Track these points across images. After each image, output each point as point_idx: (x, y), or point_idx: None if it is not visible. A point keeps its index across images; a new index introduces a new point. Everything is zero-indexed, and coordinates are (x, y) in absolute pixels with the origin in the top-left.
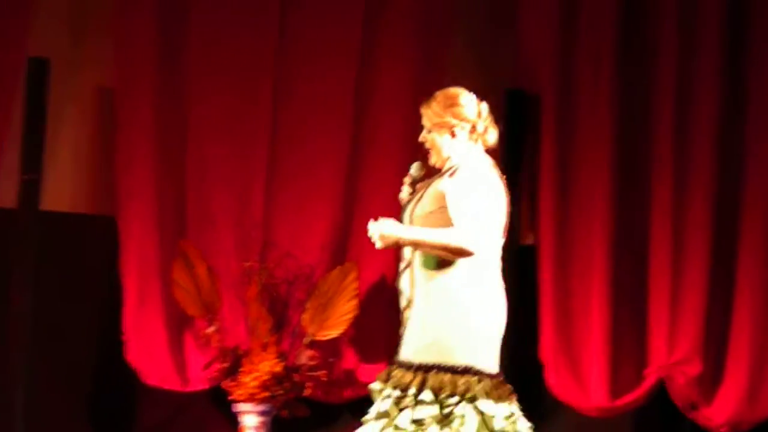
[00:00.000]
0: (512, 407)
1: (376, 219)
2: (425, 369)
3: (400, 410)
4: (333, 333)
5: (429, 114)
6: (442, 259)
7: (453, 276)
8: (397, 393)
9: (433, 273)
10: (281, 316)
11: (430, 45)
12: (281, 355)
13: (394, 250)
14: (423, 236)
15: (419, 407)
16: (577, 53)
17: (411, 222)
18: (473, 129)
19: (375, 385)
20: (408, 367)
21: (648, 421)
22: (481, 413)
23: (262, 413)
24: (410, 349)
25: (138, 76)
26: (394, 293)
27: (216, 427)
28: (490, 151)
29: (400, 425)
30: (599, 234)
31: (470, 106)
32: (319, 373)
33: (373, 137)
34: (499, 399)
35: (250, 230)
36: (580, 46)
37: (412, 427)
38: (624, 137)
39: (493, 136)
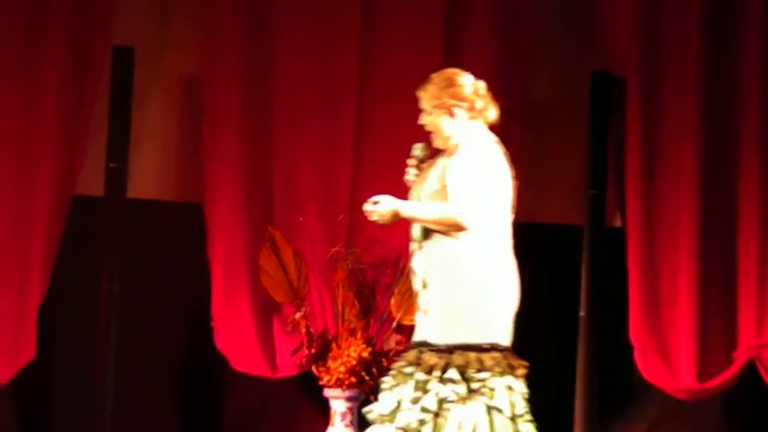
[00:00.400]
0: (525, 386)
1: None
2: (450, 350)
3: (425, 392)
4: None
5: (426, 97)
6: (454, 238)
7: (465, 255)
8: (422, 376)
9: (446, 253)
10: (368, 301)
11: (513, 32)
12: (369, 341)
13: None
14: (419, 210)
15: (444, 386)
16: (663, 34)
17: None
18: (472, 107)
19: (403, 367)
20: (433, 349)
21: (737, 403)
22: (510, 388)
23: (350, 398)
24: (433, 332)
25: (223, 62)
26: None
27: (305, 413)
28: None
29: (427, 406)
30: (687, 216)
31: (467, 85)
32: None
33: None
34: (518, 376)
35: (337, 215)
36: (666, 27)
37: (436, 406)
38: (710, 119)
39: (493, 113)
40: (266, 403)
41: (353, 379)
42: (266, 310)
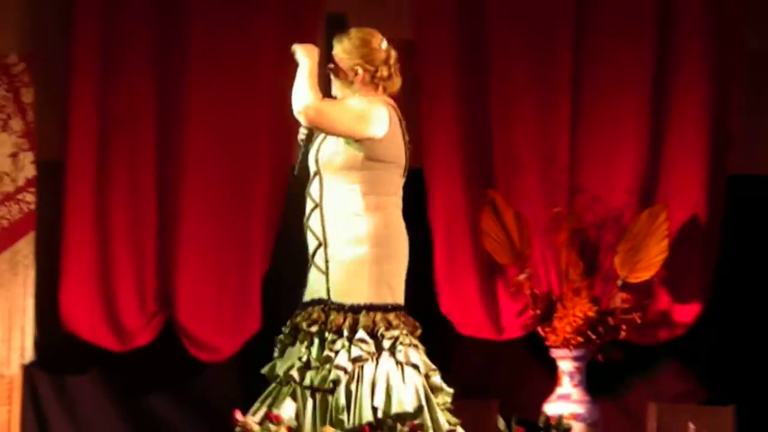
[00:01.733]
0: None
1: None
2: (354, 310)
3: (335, 352)
4: (645, 275)
5: (339, 49)
6: (349, 199)
7: (363, 214)
8: (332, 336)
9: (342, 212)
10: (592, 260)
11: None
12: (594, 300)
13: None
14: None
15: (355, 346)
16: None
17: (317, 162)
18: (374, 74)
19: (303, 325)
20: (340, 309)
21: None
22: (416, 346)
23: (577, 358)
24: (336, 291)
25: (437, 27)
26: (706, 233)
27: (532, 374)
28: None
29: (342, 364)
30: None
31: (380, 50)
32: (633, 315)
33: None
34: (414, 334)
35: (557, 176)
36: None
37: (350, 365)
38: None
39: (396, 84)
40: (492, 365)
41: (579, 339)
42: (489, 272)
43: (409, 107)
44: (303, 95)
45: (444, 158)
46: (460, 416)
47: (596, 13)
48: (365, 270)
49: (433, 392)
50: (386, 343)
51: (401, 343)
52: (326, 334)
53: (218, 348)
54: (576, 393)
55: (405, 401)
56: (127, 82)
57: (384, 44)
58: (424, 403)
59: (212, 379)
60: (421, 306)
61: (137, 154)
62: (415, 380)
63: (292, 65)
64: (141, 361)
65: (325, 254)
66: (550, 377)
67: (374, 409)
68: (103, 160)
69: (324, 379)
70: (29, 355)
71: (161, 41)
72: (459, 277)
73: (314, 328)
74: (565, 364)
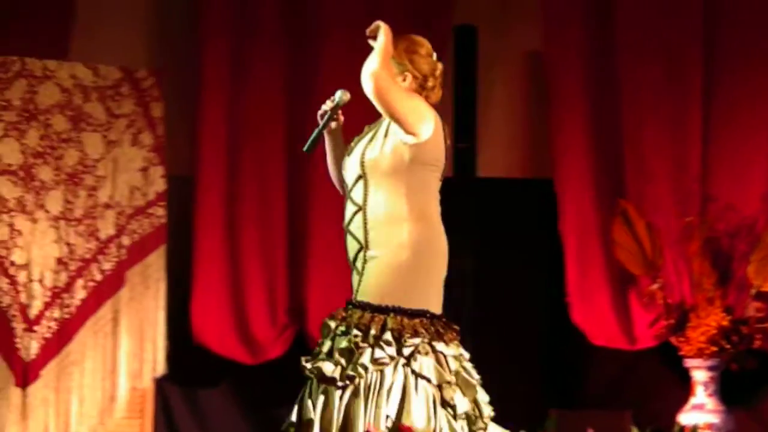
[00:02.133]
0: (460, 349)
1: None
2: (384, 311)
3: (360, 350)
4: None
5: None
6: (394, 203)
7: (404, 221)
8: (357, 333)
9: (386, 217)
10: (725, 269)
11: None
12: (728, 309)
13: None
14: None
15: (378, 348)
16: None
17: (362, 166)
18: (423, 83)
19: (331, 323)
20: (367, 308)
21: None
22: (436, 353)
23: (711, 368)
24: (369, 293)
25: (566, 37)
26: None
27: (665, 384)
28: None
29: (364, 362)
30: None
31: (429, 61)
32: (767, 324)
33: None
34: (449, 341)
35: (689, 185)
36: None
37: (372, 366)
38: None
39: (437, 96)
40: (626, 375)
41: (713, 348)
42: (621, 283)
43: (538, 119)
44: (376, 65)
45: (575, 169)
46: (594, 426)
47: (725, 29)
48: (402, 274)
49: (443, 405)
50: (406, 351)
51: (419, 352)
52: (352, 329)
53: None
54: (710, 403)
55: (415, 414)
56: (256, 96)
57: (434, 55)
58: (432, 415)
59: None
60: (554, 316)
61: (267, 167)
62: (427, 392)
63: None
64: (271, 373)
65: (364, 256)
66: (683, 387)
67: (386, 417)
68: (232, 173)
69: (345, 373)
70: (161, 368)
71: (290, 53)
72: (591, 288)
73: (341, 327)
74: (699, 373)
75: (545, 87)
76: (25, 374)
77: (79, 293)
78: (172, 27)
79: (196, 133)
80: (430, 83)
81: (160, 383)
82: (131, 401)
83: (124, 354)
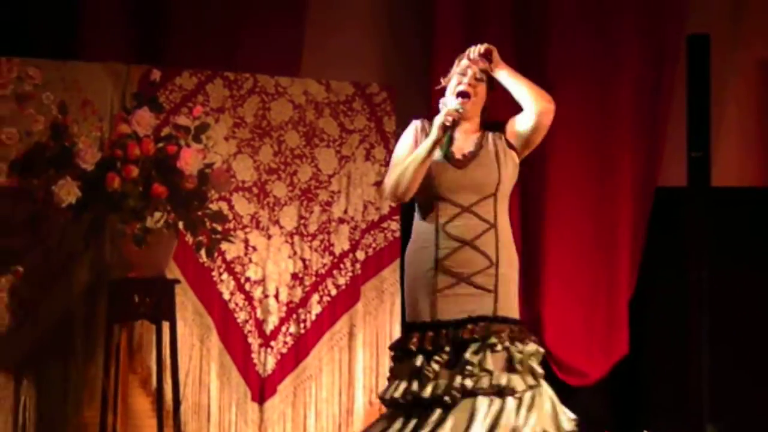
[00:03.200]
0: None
1: None
2: (516, 323)
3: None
4: None
5: (488, 67)
6: (509, 222)
7: (512, 235)
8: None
9: (509, 235)
10: None
11: None
12: None
13: None
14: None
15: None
16: None
17: (499, 184)
18: None
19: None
20: (503, 321)
21: None
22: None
23: None
24: (503, 308)
25: None
26: None
27: None
28: None
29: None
30: None
31: None
32: None
33: None
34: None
35: None
36: None
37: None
38: None
39: None
40: None
41: None
42: None
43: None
44: (546, 95)
45: None
46: None
47: None
48: (516, 290)
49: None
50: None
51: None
52: (491, 339)
53: (587, 372)
54: None
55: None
56: None
57: None
58: None
59: (582, 403)
60: None
61: None
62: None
63: (651, 84)
64: None
65: (496, 273)
66: None
67: None
68: None
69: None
70: None
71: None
72: None
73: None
74: None
75: None
76: (262, 390)
77: (315, 308)
78: (404, 42)
79: None
80: None
81: None
82: (368, 415)
83: (360, 368)
